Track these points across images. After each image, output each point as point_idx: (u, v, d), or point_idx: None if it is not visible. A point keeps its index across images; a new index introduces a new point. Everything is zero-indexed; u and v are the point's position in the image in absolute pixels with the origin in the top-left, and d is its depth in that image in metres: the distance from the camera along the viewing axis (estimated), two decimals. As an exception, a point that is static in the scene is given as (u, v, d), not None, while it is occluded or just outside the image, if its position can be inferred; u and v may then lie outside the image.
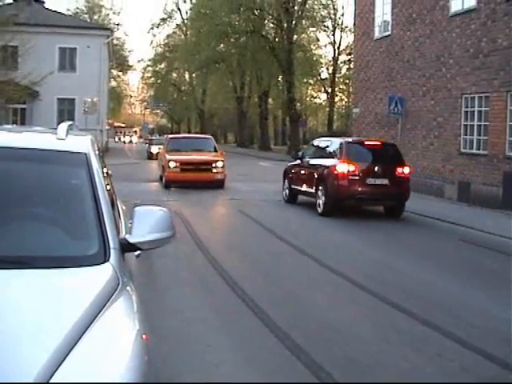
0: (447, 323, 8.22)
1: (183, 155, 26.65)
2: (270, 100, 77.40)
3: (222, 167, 26.27)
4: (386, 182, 18.71)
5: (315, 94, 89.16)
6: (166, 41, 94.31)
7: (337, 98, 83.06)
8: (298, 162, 22.16)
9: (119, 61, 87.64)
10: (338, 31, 75.88)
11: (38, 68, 37.86)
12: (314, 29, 73.11)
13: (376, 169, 18.66)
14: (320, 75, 79.06)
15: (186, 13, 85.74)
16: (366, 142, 20.23)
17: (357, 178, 18.51)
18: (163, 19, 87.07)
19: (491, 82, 21.54)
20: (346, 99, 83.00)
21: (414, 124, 26.82)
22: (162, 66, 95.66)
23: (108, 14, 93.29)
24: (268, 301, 9.04)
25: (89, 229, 4.06)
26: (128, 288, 3.70)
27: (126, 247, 4.07)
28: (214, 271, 11.08)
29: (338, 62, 77.96)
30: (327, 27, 74.64)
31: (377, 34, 31.29)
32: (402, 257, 13.17)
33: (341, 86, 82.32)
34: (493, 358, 6.90)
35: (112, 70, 79.99)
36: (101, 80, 51.21)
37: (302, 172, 21.28)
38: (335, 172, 18.61)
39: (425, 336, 7.76)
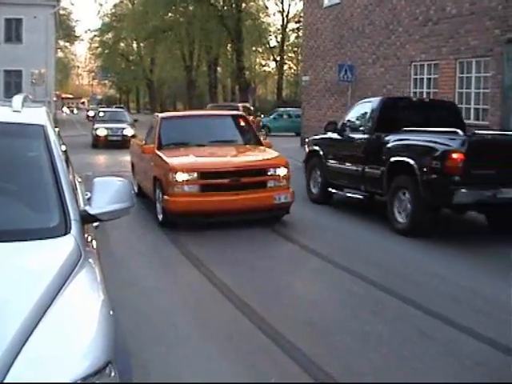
0: (405, 289, 8.39)
1: (200, 155, 13.29)
2: (219, 69, 77.08)
3: (285, 177, 12.86)
4: None
5: (264, 63, 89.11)
6: (113, 10, 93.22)
7: (286, 66, 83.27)
8: None
9: (66, 31, 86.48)
10: (286, -1, 76.02)
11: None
12: (263, -3, 73.04)
13: None
14: (269, 43, 79.20)
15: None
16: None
17: None
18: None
19: (440, 50, 21.71)
20: (294, 67, 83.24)
21: (364, 91, 26.91)
22: (110, 35, 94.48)
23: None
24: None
25: (49, 201, 4.04)
26: (90, 260, 3.70)
27: (86, 218, 4.07)
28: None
29: (287, 30, 78.09)
30: (276, -5, 74.68)
31: (326, 2, 31.19)
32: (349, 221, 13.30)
33: (289, 54, 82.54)
34: (451, 322, 7.03)
35: (59, 41, 78.94)
36: (48, 51, 50.51)
37: None
38: None
39: (383, 301, 7.87)
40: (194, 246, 10.92)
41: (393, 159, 12.27)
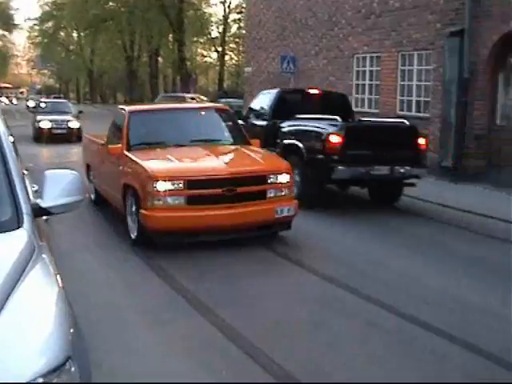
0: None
1: (183, 159, 10.81)
2: (160, 59, 76.68)
3: (287, 185, 10.66)
4: None
5: (206, 53, 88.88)
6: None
7: (227, 57, 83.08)
8: None
9: (4, 20, 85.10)
10: (228, -11, 75.84)
11: None
12: (205, -13, 72.81)
13: None
14: (210, 34, 78.92)
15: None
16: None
17: None
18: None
19: (382, 43, 21.91)
20: (236, 58, 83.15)
21: (307, 83, 26.94)
22: (50, 24, 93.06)
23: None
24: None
25: (0, 194, 3.97)
26: (43, 254, 3.65)
27: (37, 212, 4.01)
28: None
29: (229, 20, 77.90)
30: (217, -15, 74.50)
31: (269, -7, 31.33)
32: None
33: (231, 45, 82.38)
34: (414, 320, 7.07)
35: (-3, 29, 77.69)
36: (-14, 40, 49.66)
37: None
38: None
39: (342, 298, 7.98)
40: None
41: (285, 142, 14.48)
